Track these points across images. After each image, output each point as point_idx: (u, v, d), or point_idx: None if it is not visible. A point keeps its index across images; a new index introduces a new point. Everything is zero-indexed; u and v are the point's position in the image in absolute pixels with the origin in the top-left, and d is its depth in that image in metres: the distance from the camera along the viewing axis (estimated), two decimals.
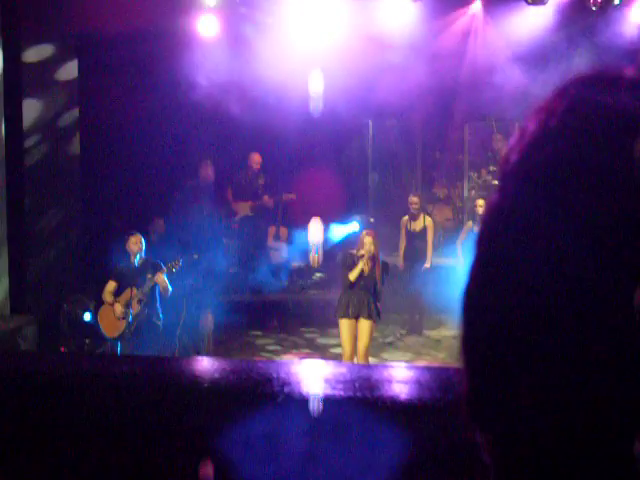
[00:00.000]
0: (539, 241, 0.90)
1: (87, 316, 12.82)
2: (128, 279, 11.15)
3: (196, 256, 13.14)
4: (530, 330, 0.90)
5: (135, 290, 11.09)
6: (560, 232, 0.87)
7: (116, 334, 11.21)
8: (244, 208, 16.22)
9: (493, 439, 0.99)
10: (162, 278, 11.15)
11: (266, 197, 16.09)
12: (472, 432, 1.03)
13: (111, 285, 11.22)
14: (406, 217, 14.21)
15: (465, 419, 1.02)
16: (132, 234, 11.28)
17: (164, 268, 11.25)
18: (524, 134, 1.02)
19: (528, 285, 0.90)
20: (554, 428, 0.89)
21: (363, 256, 10.68)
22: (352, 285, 10.75)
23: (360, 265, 10.68)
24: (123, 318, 11.13)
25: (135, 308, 11.13)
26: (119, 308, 11.10)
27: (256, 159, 16.18)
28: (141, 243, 11.25)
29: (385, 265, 10.91)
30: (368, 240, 10.76)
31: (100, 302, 11.50)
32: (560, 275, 0.86)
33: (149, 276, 11.15)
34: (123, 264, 11.30)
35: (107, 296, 11.20)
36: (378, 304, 10.81)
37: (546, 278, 0.88)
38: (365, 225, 14.41)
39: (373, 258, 10.72)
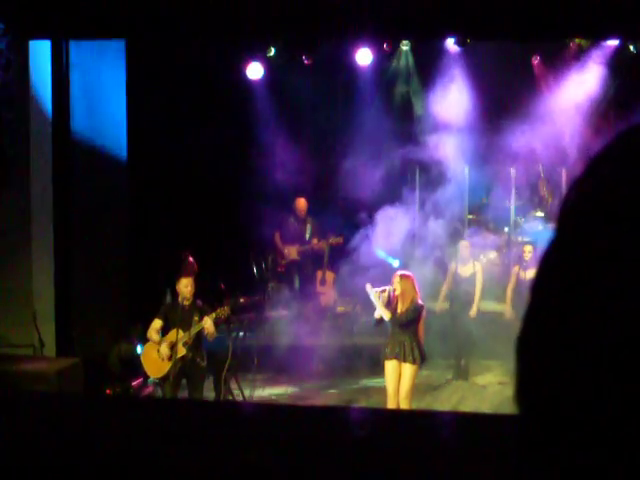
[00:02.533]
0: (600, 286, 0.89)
1: (139, 349, 12.83)
2: (175, 319, 11.18)
3: (242, 300, 13.19)
4: (594, 380, 0.89)
5: (182, 332, 11.12)
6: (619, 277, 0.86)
7: (160, 375, 11.25)
8: (292, 252, 16.28)
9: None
10: (210, 323, 11.18)
11: (315, 241, 16.14)
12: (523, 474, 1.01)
13: (157, 323, 11.26)
14: (454, 263, 14.18)
15: (516, 467, 1.01)
16: (184, 276, 11.33)
17: (212, 313, 11.27)
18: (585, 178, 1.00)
19: (590, 333, 0.88)
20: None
21: (383, 291, 10.77)
22: (390, 325, 10.80)
23: (378, 304, 10.74)
24: (168, 359, 11.16)
25: (180, 351, 11.16)
26: (165, 349, 11.13)
27: (302, 204, 16.28)
28: (192, 286, 11.28)
29: (418, 307, 10.82)
30: (396, 279, 10.80)
31: (145, 340, 11.56)
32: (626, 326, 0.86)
33: (195, 319, 11.17)
34: (170, 303, 11.36)
35: (152, 334, 11.24)
36: (421, 348, 10.79)
37: (610, 326, 0.87)
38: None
39: (399, 298, 10.75)
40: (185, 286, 11.21)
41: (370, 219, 14.30)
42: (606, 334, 0.85)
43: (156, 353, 11.20)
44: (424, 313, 10.93)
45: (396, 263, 14.52)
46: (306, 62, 14.60)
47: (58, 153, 12.67)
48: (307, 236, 16.25)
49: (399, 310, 10.77)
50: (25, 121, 12.21)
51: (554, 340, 0.92)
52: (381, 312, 10.79)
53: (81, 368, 11.92)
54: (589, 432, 0.87)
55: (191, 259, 12.88)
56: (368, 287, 11.06)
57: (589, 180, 0.96)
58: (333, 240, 15.84)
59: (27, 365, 11.51)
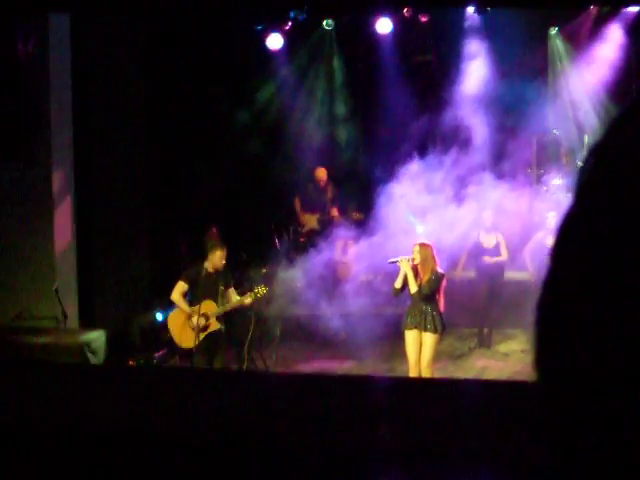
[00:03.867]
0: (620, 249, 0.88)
1: (159, 316, 12.85)
2: (200, 285, 11.18)
3: (265, 270, 13.21)
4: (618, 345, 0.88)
5: (214, 305, 11.16)
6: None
7: (189, 344, 11.23)
8: (311, 220, 16.26)
9: (570, 451, 0.96)
10: (249, 301, 11.35)
11: (334, 211, 16.10)
12: (544, 449, 1.01)
13: (183, 286, 11.21)
14: (477, 232, 14.12)
15: (537, 434, 1.00)
16: (220, 248, 11.33)
17: (251, 293, 11.38)
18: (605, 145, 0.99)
19: (610, 301, 0.88)
20: None
21: (405, 260, 10.70)
22: (412, 295, 10.73)
23: (401, 272, 10.69)
24: (202, 330, 11.18)
25: (214, 325, 11.22)
26: (200, 321, 11.14)
27: (321, 174, 16.23)
28: (225, 258, 11.30)
29: (439, 276, 10.77)
30: (415, 249, 10.75)
31: (167, 304, 11.51)
32: None
33: (221, 288, 11.20)
34: (197, 269, 11.32)
35: (179, 298, 11.19)
36: (441, 316, 10.74)
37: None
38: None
39: (419, 268, 10.70)
40: (220, 258, 11.21)
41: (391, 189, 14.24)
42: (626, 301, 0.85)
43: (185, 321, 11.18)
44: (445, 282, 10.89)
45: (420, 229, 14.44)
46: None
47: (79, 127, 12.70)
48: (328, 206, 16.20)
49: (421, 280, 10.72)
50: (46, 96, 12.23)
51: (573, 308, 0.91)
52: (411, 284, 10.69)
53: (104, 340, 11.98)
54: (608, 399, 0.87)
55: (215, 231, 12.92)
56: (393, 260, 10.97)
57: (609, 145, 0.95)
58: (355, 215, 15.77)
59: (50, 337, 11.59)
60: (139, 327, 13.21)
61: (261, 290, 11.45)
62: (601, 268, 0.87)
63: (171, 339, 11.47)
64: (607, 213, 0.88)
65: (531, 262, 13.75)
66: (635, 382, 0.84)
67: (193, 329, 11.15)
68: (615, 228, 0.87)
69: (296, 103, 16.40)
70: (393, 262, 10.91)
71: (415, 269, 10.73)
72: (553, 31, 16.28)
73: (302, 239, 15.92)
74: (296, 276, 14.38)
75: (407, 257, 10.74)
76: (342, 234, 15.11)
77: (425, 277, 10.69)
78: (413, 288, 10.67)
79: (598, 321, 0.87)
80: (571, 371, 0.90)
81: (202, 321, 11.14)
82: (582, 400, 0.89)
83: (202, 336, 11.15)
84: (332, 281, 14.69)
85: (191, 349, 11.22)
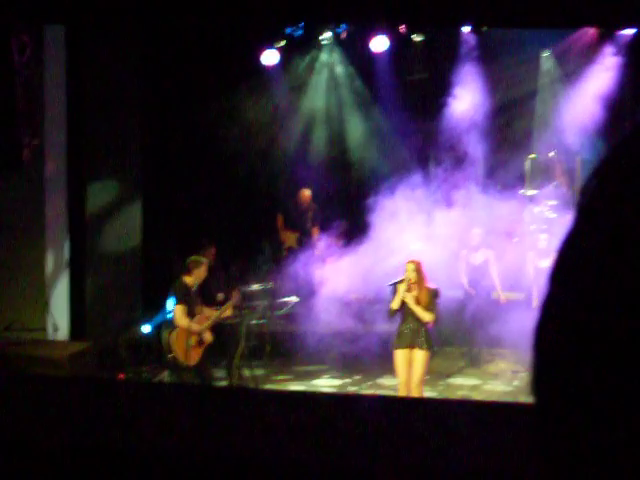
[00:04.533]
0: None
1: (145, 329, 12.81)
2: (190, 303, 11.24)
3: (254, 287, 13.23)
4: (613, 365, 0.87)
5: (208, 318, 11.31)
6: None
7: (194, 361, 11.29)
8: (290, 239, 16.29)
9: (564, 474, 0.95)
10: (230, 311, 11.47)
11: (315, 230, 16.07)
12: (537, 465, 1.00)
13: (184, 309, 11.21)
14: (465, 250, 14.15)
15: (532, 451, 1.00)
16: (205, 261, 11.49)
17: (228, 302, 11.53)
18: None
19: (610, 322, 0.87)
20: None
21: (402, 282, 10.64)
22: (403, 315, 10.70)
23: (399, 293, 10.64)
24: (200, 345, 11.26)
25: (209, 338, 11.31)
26: (208, 336, 11.28)
27: (305, 195, 16.22)
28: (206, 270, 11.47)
29: (435, 292, 10.77)
30: (409, 267, 10.70)
31: (166, 327, 11.47)
32: None
33: (226, 310, 11.45)
34: (182, 288, 11.34)
35: (183, 321, 11.18)
36: (431, 334, 10.71)
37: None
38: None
39: (415, 286, 10.66)
40: (205, 270, 11.33)
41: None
42: (627, 323, 0.84)
43: (188, 340, 11.18)
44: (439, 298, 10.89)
45: (416, 245, 14.43)
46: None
47: (73, 139, 12.69)
48: (308, 226, 16.19)
49: (418, 298, 10.66)
50: (40, 107, 12.23)
51: (573, 329, 0.91)
52: (410, 304, 10.60)
53: (94, 352, 11.95)
54: (608, 422, 0.86)
55: (213, 251, 12.98)
56: (392, 282, 10.90)
57: (612, 168, 0.94)
58: (342, 226, 15.70)
59: (40, 349, 11.55)
60: (126, 340, 13.17)
61: (235, 294, 11.65)
62: (603, 289, 0.86)
63: (174, 359, 11.39)
64: (610, 234, 0.87)
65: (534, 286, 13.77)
66: (637, 403, 0.84)
67: (194, 345, 11.20)
68: (618, 250, 0.86)
69: (289, 121, 16.41)
70: (392, 284, 10.84)
71: (412, 288, 10.67)
72: (545, 53, 16.34)
73: (283, 255, 15.90)
74: (284, 293, 14.37)
75: (404, 277, 10.67)
76: (325, 251, 15.10)
77: (421, 294, 10.66)
78: (413, 307, 10.61)
79: (599, 342, 0.86)
80: (571, 393, 0.90)
81: (209, 336, 11.28)
82: (582, 421, 0.88)
83: (200, 350, 11.24)
84: (319, 298, 14.64)
85: (187, 364, 11.27)
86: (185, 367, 11.35)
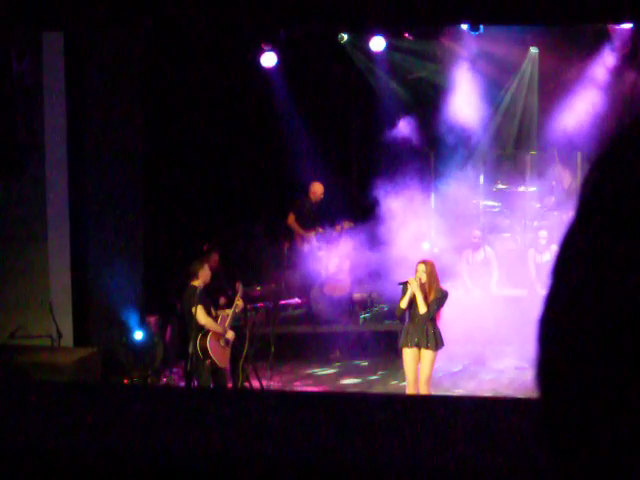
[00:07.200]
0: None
1: (138, 335, 12.84)
2: (207, 304, 11.36)
3: (258, 288, 13.24)
4: (614, 360, 0.88)
5: (224, 316, 11.40)
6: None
7: (226, 363, 11.45)
8: (309, 237, 16.16)
9: (570, 468, 0.96)
10: (242, 303, 11.79)
11: (338, 227, 15.98)
12: (542, 462, 1.00)
13: (203, 310, 11.21)
14: (468, 249, 14.19)
15: (535, 448, 1.00)
16: (207, 261, 11.60)
17: (237, 294, 11.73)
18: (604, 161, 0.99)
19: (613, 315, 0.88)
20: None
21: (411, 282, 10.63)
22: (411, 314, 10.69)
23: (408, 292, 10.62)
24: (227, 345, 11.42)
25: (231, 336, 11.45)
26: (231, 335, 11.40)
27: (317, 188, 16.08)
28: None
29: (442, 294, 10.75)
30: (421, 268, 10.70)
31: (199, 333, 11.39)
32: None
33: (237, 303, 11.45)
34: (193, 291, 11.34)
35: (208, 321, 11.21)
36: (440, 333, 10.71)
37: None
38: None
39: (425, 286, 10.63)
40: (208, 269, 11.46)
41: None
42: (630, 316, 0.85)
43: (219, 342, 11.29)
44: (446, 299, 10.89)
45: (426, 245, 14.43)
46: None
47: (73, 145, 12.70)
48: (323, 221, 16.07)
49: (429, 299, 10.64)
50: (40, 114, 12.23)
51: (576, 323, 0.91)
52: (420, 305, 10.58)
53: (98, 358, 11.96)
54: (612, 416, 0.87)
55: (217, 258, 13.00)
56: (402, 282, 10.86)
57: (612, 160, 0.95)
58: (346, 225, 15.65)
59: (44, 356, 11.56)
60: (126, 345, 13.15)
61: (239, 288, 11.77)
62: (605, 283, 0.87)
63: (213, 364, 11.38)
64: (613, 227, 0.88)
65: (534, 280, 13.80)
66: None
67: (224, 346, 11.36)
68: (620, 243, 0.86)
69: (292, 120, 16.36)
70: (403, 284, 10.82)
71: (422, 288, 10.64)
72: (534, 50, 16.18)
73: (295, 255, 15.83)
74: (290, 294, 14.38)
75: (415, 278, 10.64)
76: (336, 249, 15.08)
77: (432, 295, 10.64)
78: (423, 309, 10.54)
79: (602, 336, 0.87)
80: (575, 387, 0.90)
81: (231, 333, 11.49)
82: (586, 415, 0.88)
83: (229, 351, 11.43)
84: (327, 298, 14.65)
85: (223, 367, 11.46)
86: (220, 370, 11.45)
